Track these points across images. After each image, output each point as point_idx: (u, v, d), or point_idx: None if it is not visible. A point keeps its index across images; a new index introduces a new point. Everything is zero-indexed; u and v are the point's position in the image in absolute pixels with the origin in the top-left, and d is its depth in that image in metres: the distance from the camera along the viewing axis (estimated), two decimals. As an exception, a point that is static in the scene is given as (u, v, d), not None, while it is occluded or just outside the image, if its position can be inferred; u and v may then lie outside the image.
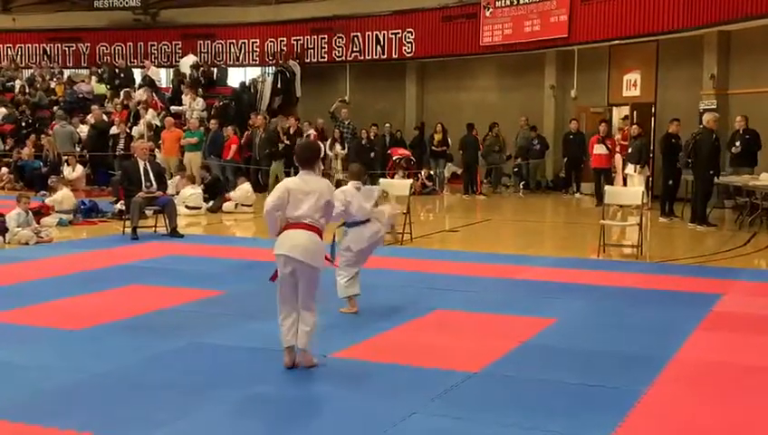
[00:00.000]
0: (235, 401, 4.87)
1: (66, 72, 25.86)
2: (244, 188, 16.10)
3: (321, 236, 5.55)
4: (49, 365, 5.60)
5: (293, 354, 5.51)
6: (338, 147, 19.54)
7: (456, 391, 5.09)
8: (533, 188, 20.31)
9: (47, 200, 13.71)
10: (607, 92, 19.74)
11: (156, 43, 25.94)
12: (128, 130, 19.90)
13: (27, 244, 11.22)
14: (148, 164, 12.42)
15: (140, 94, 22.06)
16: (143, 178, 12.17)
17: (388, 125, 21.06)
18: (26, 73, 26.11)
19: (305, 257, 5.39)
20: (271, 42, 24.52)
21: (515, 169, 20.42)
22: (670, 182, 14.46)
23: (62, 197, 13.84)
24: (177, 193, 15.20)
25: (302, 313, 5.48)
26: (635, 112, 18.43)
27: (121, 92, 22.57)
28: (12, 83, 25.20)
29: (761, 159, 14.89)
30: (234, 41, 25.07)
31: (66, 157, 19.32)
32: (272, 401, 4.94)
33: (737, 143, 14.89)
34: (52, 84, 24.74)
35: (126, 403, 4.85)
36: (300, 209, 5.45)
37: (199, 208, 15.32)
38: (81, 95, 23.56)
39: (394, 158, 19.97)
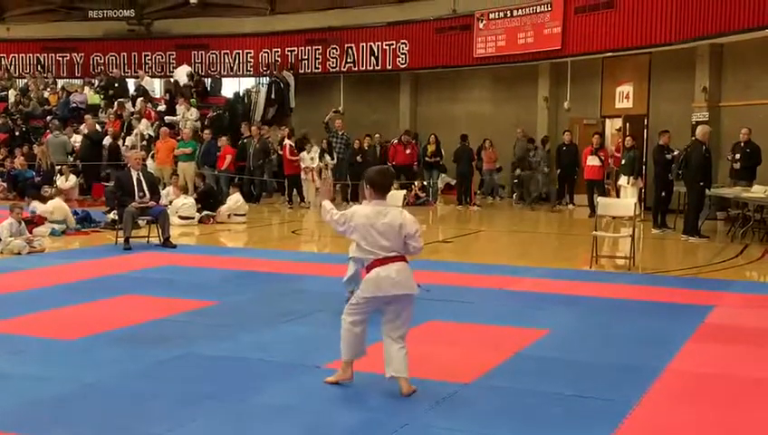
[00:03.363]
0: (228, 412, 4.87)
1: (60, 82, 25.88)
2: (233, 199, 16.12)
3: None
4: (42, 375, 5.58)
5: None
6: (327, 157, 19.53)
7: (448, 403, 5.09)
8: (527, 199, 20.36)
9: (39, 211, 13.63)
10: (600, 104, 19.83)
11: (150, 54, 25.99)
12: (118, 145, 19.91)
13: (20, 253, 11.20)
14: (141, 174, 12.42)
15: (138, 104, 22.07)
16: (136, 188, 12.17)
17: (377, 135, 21.06)
18: (20, 83, 26.12)
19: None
20: (265, 52, 24.58)
21: (515, 181, 20.45)
22: (663, 194, 14.51)
23: (54, 207, 13.78)
24: (170, 203, 15.19)
25: (397, 341, 5.23)
26: (627, 124, 18.51)
27: (115, 103, 22.58)
28: (5, 93, 25.20)
29: (759, 172, 14.89)
30: (228, 51, 25.13)
31: (59, 166, 19.31)
32: (265, 411, 4.93)
33: (737, 156, 14.90)
34: (46, 94, 24.74)
35: (119, 414, 4.85)
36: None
37: (192, 218, 15.31)
38: (74, 105, 23.56)
39: (393, 140, 20.78)
